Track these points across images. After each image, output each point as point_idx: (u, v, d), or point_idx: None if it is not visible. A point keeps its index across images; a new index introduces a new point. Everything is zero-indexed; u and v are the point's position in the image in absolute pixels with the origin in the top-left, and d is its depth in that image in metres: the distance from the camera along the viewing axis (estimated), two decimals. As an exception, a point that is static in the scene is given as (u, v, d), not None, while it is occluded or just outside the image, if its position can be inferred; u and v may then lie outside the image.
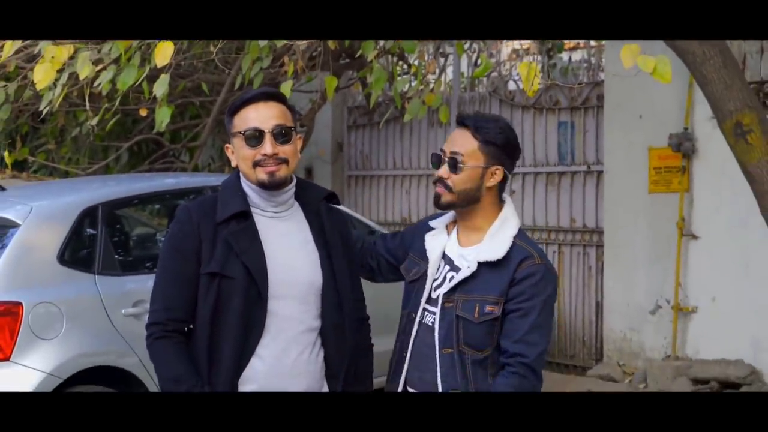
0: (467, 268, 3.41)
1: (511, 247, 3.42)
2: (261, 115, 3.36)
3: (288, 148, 3.36)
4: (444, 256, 3.51)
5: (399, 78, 8.16)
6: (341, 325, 3.41)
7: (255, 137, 3.35)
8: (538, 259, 3.41)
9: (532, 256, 3.41)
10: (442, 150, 3.49)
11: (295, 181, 3.48)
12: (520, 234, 3.47)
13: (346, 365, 3.43)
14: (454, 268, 3.46)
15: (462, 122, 3.49)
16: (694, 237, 7.92)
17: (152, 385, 5.78)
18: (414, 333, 3.48)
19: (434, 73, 9.93)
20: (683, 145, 7.88)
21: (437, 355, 3.42)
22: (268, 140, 3.34)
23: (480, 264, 3.40)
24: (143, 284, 5.98)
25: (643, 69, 4.36)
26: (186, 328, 3.37)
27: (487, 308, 3.38)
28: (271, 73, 8.22)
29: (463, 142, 3.45)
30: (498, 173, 3.46)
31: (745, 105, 4.98)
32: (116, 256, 6.11)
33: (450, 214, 3.60)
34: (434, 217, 3.68)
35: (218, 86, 9.21)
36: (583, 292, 8.72)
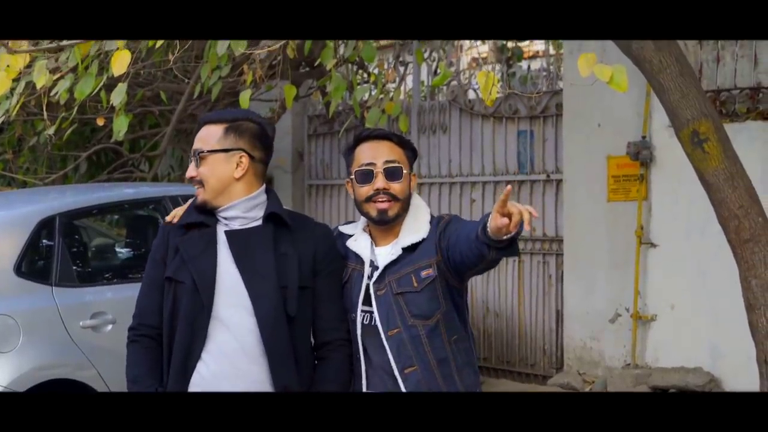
0: (391, 255, 3.49)
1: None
2: (196, 137, 3.54)
3: (201, 170, 3.49)
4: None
5: (359, 87, 8.15)
6: (286, 340, 3.41)
7: (192, 158, 3.55)
8: (449, 215, 3.59)
9: (444, 216, 3.57)
10: (369, 164, 3.51)
11: (254, 195, 3.50)
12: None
13: (294, 381, 3.43)
14: (375, 267, 3.51)
15: (379, 136, 3.57)
16: (653, 245, 7.97)
17: (110, 397, 5.73)
18: (359, 331, 3.50)
19: (394, 81, 9.94)
20: (641, 154, 7.92)
21: (384, 340, 3.45)
22: (191, 164, 3.53)
23: (404, 249, 3.49)
24: (101, 296, 5.95)
25: (599, 78, 4.37)
26: (158, 333, 3.48)
27: (423, 273, 3.46)
28: (230, 82, 8.19)
29: (392, 152, 3.54)
30: (414, 178, 3.60)
31: (701, 113, 5.02)
32: (74, 268, 6.06)
33: (361, 221, 3.63)
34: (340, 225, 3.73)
35: (177, 95, 9.17)
36: (543, 301, 8.74)
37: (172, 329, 3.43)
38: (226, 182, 3.47)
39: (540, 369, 8.74)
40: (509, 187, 3.21)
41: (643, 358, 8.01)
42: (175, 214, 3.59)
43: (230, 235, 3.46)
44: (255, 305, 3.39)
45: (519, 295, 8.88)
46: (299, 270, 3.45)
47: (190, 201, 3.60)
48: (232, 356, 3.38)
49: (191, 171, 3.51)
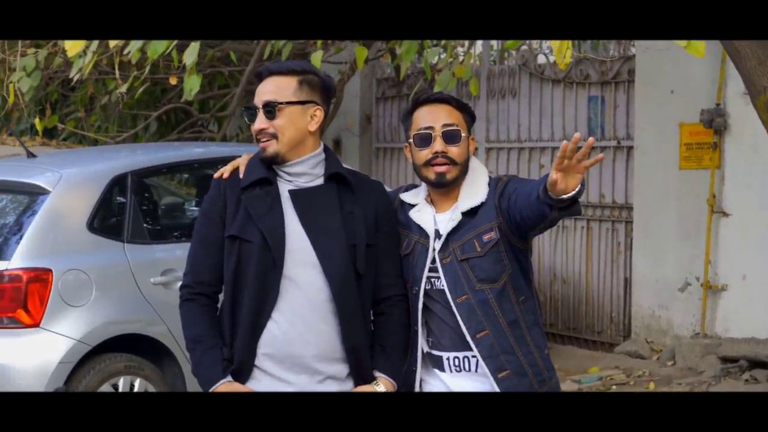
0: (452, 221, 3.47)
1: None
2: (260, 91, 3.46)
3: (276, 122, 3.41)
4: None
5: (429, 50, 8.10)
6: (355, 299, 3.42)
7: (252, 114, 3.45)
8: (507, 176, 3.56)
9: (501, 177, 3.54)
10: (428, 127, 3.49)
11: (320, 150, 3.49)
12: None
13: (363, 340, 3.44)
14: (438, 236, 3.50)
15: (437, 99, 3.55)
16: (725, 214, 7.86)
17: (180, 353, 5.81)
18: (420, 305, 3.49)
19: (463, 45, 9.87)
20: (715, 121, 7.81)
21: (453, 307, 3.44)
22: (259, 116, 3.43)
23: (463, 214, 3.47)
24: (171, 253, 6.02)
25: (677, 43, 4.31)
26: (214, 291, 3.46)
27: (485, 237, 3.44)
28: (300, 44, 8.20)
29: (450, 116, 3.51)
30: (473, 142, 3.57)
31: (779, 81, 4.92)
32: (145, 225, 6.13)
33: (423, 187, 3.61)
34: (401, 190, 3.69)
35: (247, 56, 9.21)
36: (612, 269, 8.68)
37: (234, 288, 3.40)
38: (302, 135, 3.44)
39: (607, 336, 8.69)
40: (568, 144, 3.14)
41: (712, 328, 7.92)
42: (225, 170, 3.52)
43: (295, 193, 3.44)
44: (323, 264, 3.38)
45: (587, 261, 8.82)
46: (365, 228, 3.45)
47: (244, 157, 3.54)
48: (303, 315, 3.38)
49: (261, 123, 3.42)
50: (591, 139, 3.19)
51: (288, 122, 3.42)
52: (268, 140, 3.41)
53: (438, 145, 3.47)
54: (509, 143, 9.43)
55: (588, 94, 8.88)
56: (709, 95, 7.91)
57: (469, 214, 3.47)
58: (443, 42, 9.15)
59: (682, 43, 4.39)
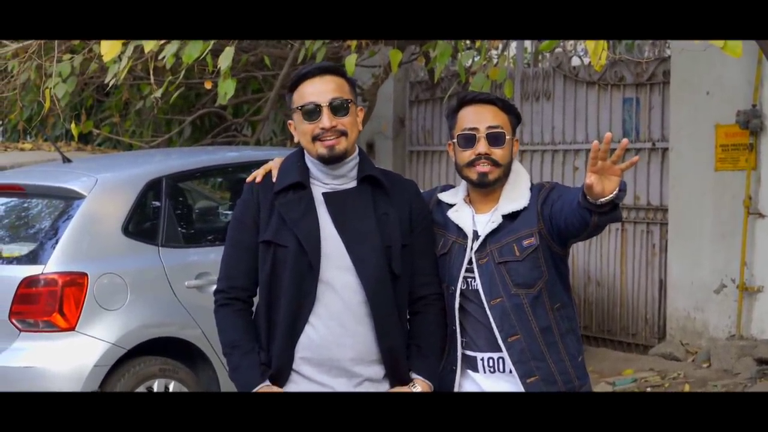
0: (492, 222, 3.46)
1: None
2: (318, 90, 3.42)
3: (347, 120, 3.41)
4: None
5: (463, 52, 8.07)
6: (390, 300, 3.41)
7: (313, 111, 3.40)
8: (550, 183, 3.56)
9: (545, 184, 3.54)
10: (472, 128, 3.48)
11: (357, 153, 3.50)
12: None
13: (399, 341, 3.44)
14: (476, 236, 3.49)
15: (483, 100, 3.54)
16: (761, 215, 7.80)
17: (214, 356, 5.83)
18: (457, 305, 3.49)
19: (497, 48, 9.84)
20: (751, 123, 7.76)
21: (487, 309, 3.43)
22: (325, 114, 3.39)
23: (504, 217, 3.47)
24: (206, 256, 6.05)
25: (713, 44, 4.27)
26: (248, 295, 3.46)
27: (525, 243, 3.43)
28: (334, 47, 8.20)
29: (495, 117, 3.50)
30: (517, 144, 3.57)
31: (816, 81, 4.88)
32: (179, 229, 6.17)
33: (462, 187, 3.60)
34: (437, 190, 3.68)
35: (281, 60, 9.23)
36: (647, 270, 8.63)
37: (270, 293, 3.40)
38: (358, 134, 3.48)
39: (642, 339, 8.64)
40: (595, 144, 3.16)
41: (748, 329, 7.86)
42: (258, 174, 3.51)
43: (328, 196, 3.44)
44: (357, 267, 3.38)
45: (621, 264, 8.78)
46: (400, 228, 3.45)
47: (276, 160, 3.53)
48: (340, 318, 3.38)
49: (331, 120, 3.39)
50: (625, 140, 3.19)
51: (354, 120, 3.45)
52: (337, 138, 3.40)
53: (482, 146, 3.46)
54: (543, 146, 9.40)
55: (623, 95, 8.83)
56: (745, 96, 7.85)
57: (509, 218, 3.47)
58: (477, 44, 9.14)
59: (719, 43, 4.34)
